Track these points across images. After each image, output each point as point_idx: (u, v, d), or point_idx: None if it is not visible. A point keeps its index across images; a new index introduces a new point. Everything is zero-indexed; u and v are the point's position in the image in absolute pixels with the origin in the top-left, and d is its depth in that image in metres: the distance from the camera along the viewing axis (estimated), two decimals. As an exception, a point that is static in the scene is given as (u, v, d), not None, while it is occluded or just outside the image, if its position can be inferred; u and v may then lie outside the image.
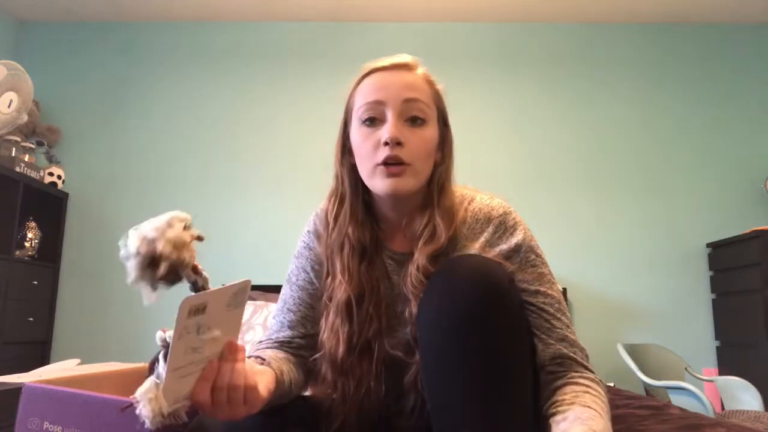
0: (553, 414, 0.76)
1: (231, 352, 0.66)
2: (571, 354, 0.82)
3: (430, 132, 0.89)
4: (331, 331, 0.88)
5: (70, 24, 3.36)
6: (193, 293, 0.61)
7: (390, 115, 0.86)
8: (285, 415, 0.83)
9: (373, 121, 0.87)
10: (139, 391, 0.58)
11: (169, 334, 0.58)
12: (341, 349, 0.86)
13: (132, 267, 0.61)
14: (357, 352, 0.86)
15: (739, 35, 3.33)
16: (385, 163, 0.85)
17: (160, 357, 0.59)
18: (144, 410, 0.57)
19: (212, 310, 0.59)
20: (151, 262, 0.60)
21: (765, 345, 2.60)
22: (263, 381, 0.72)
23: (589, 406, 0.74)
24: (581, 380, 0.80)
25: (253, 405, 0.68)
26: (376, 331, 0.88)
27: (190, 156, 3.21)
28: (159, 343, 0.60)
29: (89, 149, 3.21)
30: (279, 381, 0.79)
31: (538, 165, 3.19)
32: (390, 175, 0.84)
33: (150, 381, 0.58)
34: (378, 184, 0.86)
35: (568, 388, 0.78)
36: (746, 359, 2.75)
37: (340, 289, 0.88)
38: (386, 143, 0.84)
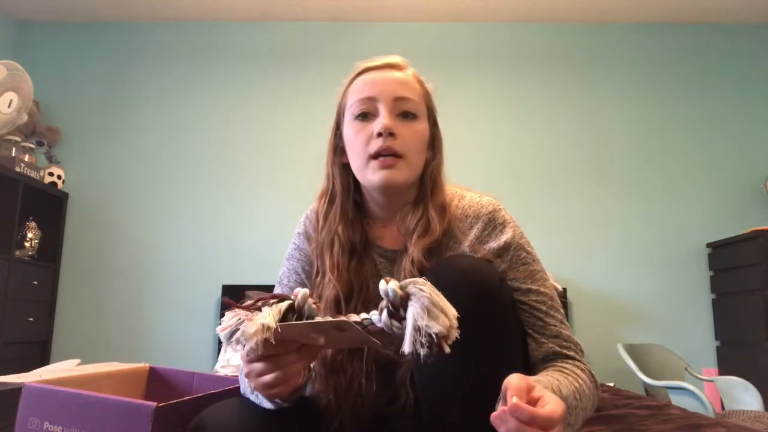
0: None
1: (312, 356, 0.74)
2: (564, 351, 0.82)
3: (421, 126, 0.91)
4: None
5: (70, 24, 3.36)
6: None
7: (382, 109, 0.88)
8: (284, 414, 0.83)
9: (366, 116, 0.89)
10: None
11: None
12: None
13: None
14: (347, 349, 0.87)
15: (739, 35, 3.33)
16: (379, 154, 0.86)
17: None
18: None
19: (323, 330, 0.66)
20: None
21: (765, 345, 2.60)
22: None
23: (553, 377, 0.74)
24: (563, 365, 0.80)
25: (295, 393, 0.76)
26: None
27: (189, 155, 3.21)
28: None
29: (89, 149, 3.21)
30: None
31: (538, 165, 3.19)
32: (383, 167, 0.85)
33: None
34: (371, 176, 0.87)
35: (544, 371, 0.79)
36: (746, 359, 2.75)
37: (329, 287, 0.89)
38: (379, 134, 0.86)
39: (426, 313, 0.59)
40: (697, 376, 2.57)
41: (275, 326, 0.63)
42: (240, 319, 0.66)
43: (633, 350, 2.69)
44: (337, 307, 0.88)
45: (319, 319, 0.66)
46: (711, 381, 2.52)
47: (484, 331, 0.74)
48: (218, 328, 0.68)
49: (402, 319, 0.61)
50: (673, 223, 3.13)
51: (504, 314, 0.78)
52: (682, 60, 3.31)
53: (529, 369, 0.82)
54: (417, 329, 0.58)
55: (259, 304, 0.68)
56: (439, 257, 0.87)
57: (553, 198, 3.14)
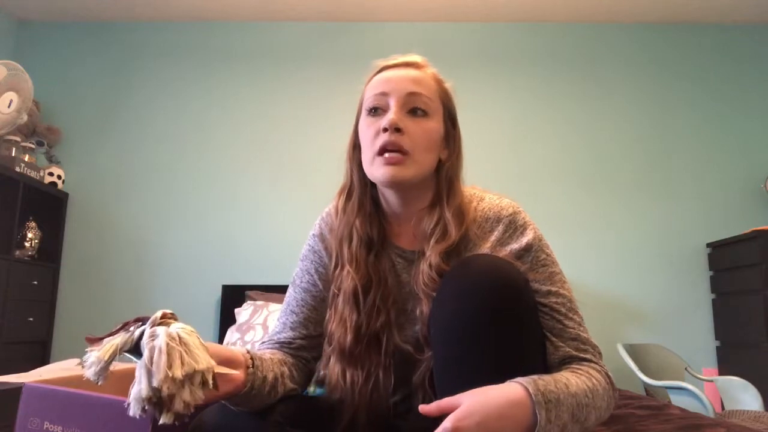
0: None
1: None
2: (581, 355, 0.82)
3: (433, 124, 0.90)
4: (340, 321, 0.89)
5: (70, 24, 3.36)
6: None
7: (392, 105, 0.88)
8: (285, 415, 0.83)
9: (377, 111, 0.90)
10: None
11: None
12: (349, 338, 0.86)
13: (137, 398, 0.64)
14: (365, 342, 0.87)
15: (739, 35, 3.33)
16: (384, 150, 0.86)
17: None
18: None
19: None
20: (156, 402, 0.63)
21: (765, 345, 2.60)
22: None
23: (563, 375, 0.74)
24: (579, 367, 0.80)
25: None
26: (384, 322, 0.88)
27: (189, 155, 3.20)
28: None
29: (89, 149, 3.21)
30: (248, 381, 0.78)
31: (538, 165, 3.19)
32: (388, 163, 0.85)
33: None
34: (376, 172, 0.87)
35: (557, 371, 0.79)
36: (746, 359, 2.75)
37: (348, 279, 0.89)
38: (385, 129, 0.86)
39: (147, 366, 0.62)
40: (697, 376, 2.57)
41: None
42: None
43: (633, 350, 2.69)
44: (356, 298, 0.88)
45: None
46: (711, 381, 2.52)
47: (509, 332, 0.73)
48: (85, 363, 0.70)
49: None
50: (673, 223, 3.13)
51: (528, 315, 0.77)
52: (683, 60, 3.31)
53: (547, 372, 0.81)
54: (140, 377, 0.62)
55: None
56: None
57: (552, 198, 3.14)
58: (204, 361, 0.63)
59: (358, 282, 0.88)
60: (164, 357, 0.61)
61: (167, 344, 0.62)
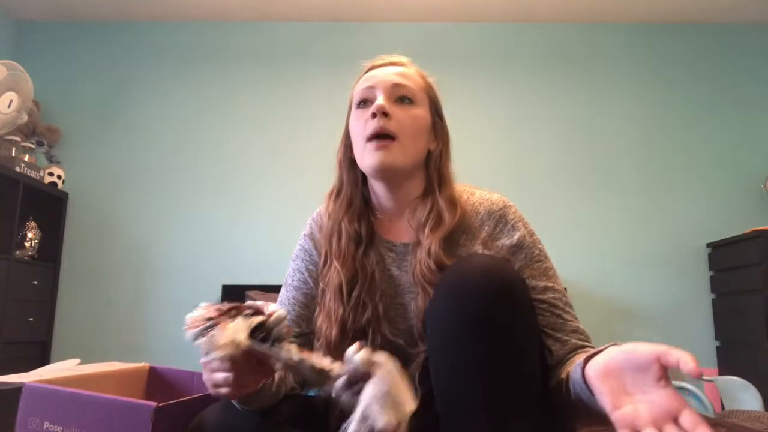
0: (568, 366, 0.78)
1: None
2: (586, 343, 0.85)
3: (419, 112, 0.93)
4: (327, 315, 0.89)
5: (70, 24, 3.36)
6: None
7: (379, 94, 0.91)
8: (284, 414, 0.83)
9: (365, 103, 0.93)
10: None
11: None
12: (335, 332, 0.87)
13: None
14: (351, 337, 0.86)
15: (739, 35, 3.33)
16: (374, 136, 0.88)
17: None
18: None
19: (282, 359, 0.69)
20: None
21: (765, 345, 2.60)
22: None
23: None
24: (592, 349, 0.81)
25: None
26: (371, 317, 0.88)
27: (190, 155, 3.21)
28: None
29: (89, 149, 3.21)
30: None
31: (538, 164, 3.19)
32: (377, 149, 0.88)
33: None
34: (367, 160, 0.89)
35: (579, 354, 0.81)
36: (746, 359, 2.75)
37: (334, 274, 0.91)
38: (374, 114, 0.88)
39: (378, 403, 0.58)
40: (697, 376, 2.57)
41: (245, 345, 0.63)
42: (211, 324, 0.66)
43: (633, 350, 2.68)
44: (341, 293, 0.89)
45: (284, 352, 0.66)
46: (711, 381, 2.52)
47: (506, 330, 0.74)
48: (188, 320, 0.67)
49: (354, 393, 0.61)
50: (673, 223, 3.12)
51: (525, 314, 0.78)
52: (682, 60, 3.31)
53: (545, 371, 0.82)
54: (364, 418, 0.58)
55: (233, 312, 0.67)
56: (454, 251, 0.87)
57: (553, 197, 3.14)
58: (410, 405, 0.61)
59: (344, 277, 0.89)
60: (389, 411, 0.59)
61: (394, 394, 0.60)
